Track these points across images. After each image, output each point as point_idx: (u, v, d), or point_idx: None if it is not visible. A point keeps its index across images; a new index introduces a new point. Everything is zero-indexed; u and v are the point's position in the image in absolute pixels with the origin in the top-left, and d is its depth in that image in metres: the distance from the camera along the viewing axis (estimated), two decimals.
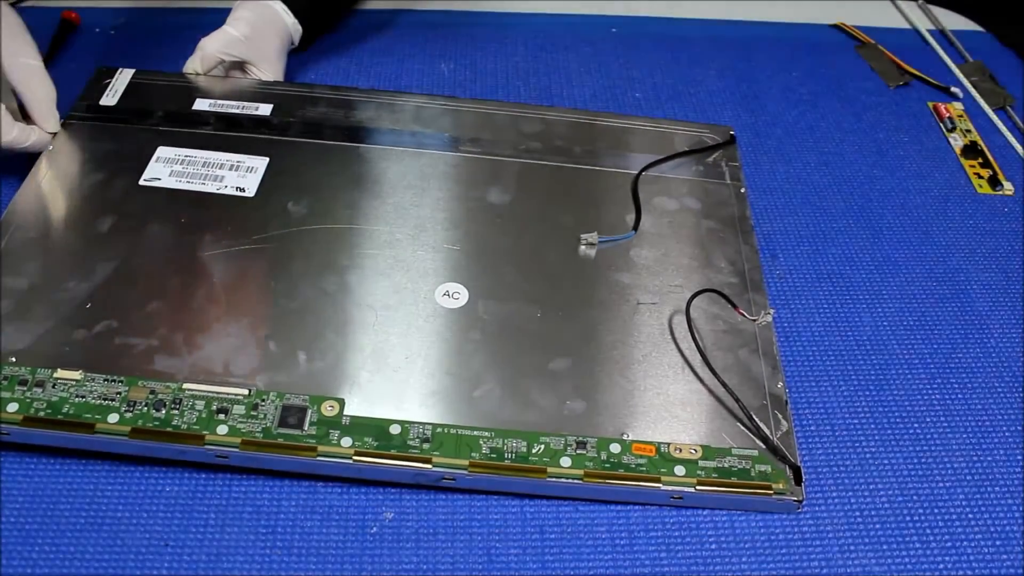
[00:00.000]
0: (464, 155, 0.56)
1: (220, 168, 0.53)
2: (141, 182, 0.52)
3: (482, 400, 0.44)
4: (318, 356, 0.44)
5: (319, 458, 0.41)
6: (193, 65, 0.60)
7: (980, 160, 0.64)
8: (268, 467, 0.42)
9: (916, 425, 0.47)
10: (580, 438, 0.43)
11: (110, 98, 0.57)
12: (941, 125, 0.67)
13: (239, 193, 0.52)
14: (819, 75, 0.71)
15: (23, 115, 0.53)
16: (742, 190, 0.56)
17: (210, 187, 0.52)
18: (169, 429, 0.41)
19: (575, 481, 0.42)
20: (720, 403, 0.45)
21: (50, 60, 0.65)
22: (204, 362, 0.43)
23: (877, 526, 0.43)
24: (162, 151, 0.53)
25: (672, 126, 0.60)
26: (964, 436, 0.47)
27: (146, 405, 0.42)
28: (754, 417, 0.44)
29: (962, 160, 0.64)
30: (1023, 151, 0.65)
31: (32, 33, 0.53)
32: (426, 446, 0.42)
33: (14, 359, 0.43)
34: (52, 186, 0.51)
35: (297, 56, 0.66)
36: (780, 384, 0.46)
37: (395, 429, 0.42)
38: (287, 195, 0.52)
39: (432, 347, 0.45)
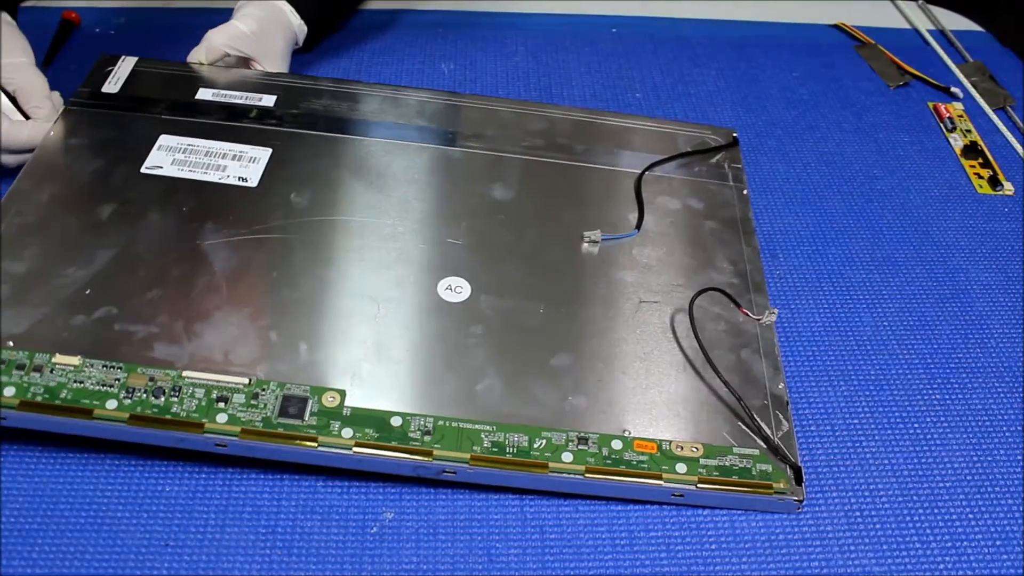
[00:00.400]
0: (468, 150, 0.56)
1: (223, 158, 0.52)
2: (143, 170, 0.51)
3: (483, 394, 0.44)
4: (319, 347, 0.44)
5: (319, 448, 0.41)
6: (197, 56, 0.59)
7: (980, 160, 0.64)
8: (267, 457, 0.42)
9: (916, 425, 0.47)
10: (582, 434, 0.43)
11: (112, 86, 0.56)
12: (941, 125, 0.67)
13: (241, 183, 0.51)
14: (819, 75, 0.71)
15: (21, 114, 0.53)
16: (744, 192, 0.56)
17: (212, 176, 0.51)
18: (168, 416, 0.41)
19: (576, 476, 0.42)
20: (721, 402, 0.45)
21: (50, 60, 0.65)
22: (204, 350, 0.43)
23: (877, 526, 0.43)
24: (164, 139, 0.53)
25: (675, 126, 0.60)
26: (964, 436, 0.47)
27: (145, 392, 0.41)
28: (755, 417, 0.44)
29: (962, 160, 0.64)
30: (1023, 151, 0.65)
31: (32, 33, 0.53)
32: (427, 439, 0.42)
33: (12, 343, 0.42)
34: (53, 171, 0.51)
35: (299, 56, 0.66)
36: (781, 384, 0.46)
37: (396, 421, 0.42)
38: (290, 186, 0.51)
39: (434, 340, 0.45)
